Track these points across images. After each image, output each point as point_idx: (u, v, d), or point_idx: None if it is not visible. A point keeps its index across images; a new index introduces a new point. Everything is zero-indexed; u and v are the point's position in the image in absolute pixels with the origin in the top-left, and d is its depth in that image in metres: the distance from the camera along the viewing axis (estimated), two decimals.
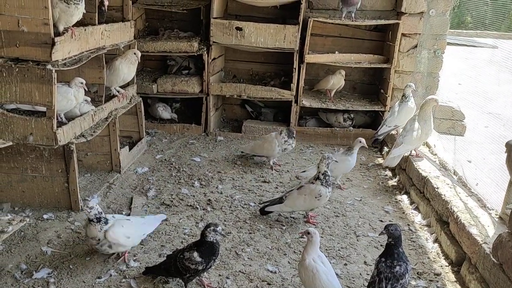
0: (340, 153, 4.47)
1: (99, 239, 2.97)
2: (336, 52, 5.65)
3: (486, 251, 2.84)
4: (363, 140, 4.36)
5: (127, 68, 4.40)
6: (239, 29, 5.29)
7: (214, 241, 2.77)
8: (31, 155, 3.62)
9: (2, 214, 3.25)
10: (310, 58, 5.47)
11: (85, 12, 3.55)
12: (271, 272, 3.13)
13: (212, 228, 2.76)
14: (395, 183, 4.64)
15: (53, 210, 3.69)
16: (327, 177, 3.57)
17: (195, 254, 2.75)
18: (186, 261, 2.76)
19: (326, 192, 3.58)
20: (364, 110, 5.70)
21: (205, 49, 5.45)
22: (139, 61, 4.51)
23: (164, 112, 5.77)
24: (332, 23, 5.59)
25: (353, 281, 3.09)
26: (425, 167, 4.16)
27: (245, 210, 3.93)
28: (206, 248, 2.76)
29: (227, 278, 3.04)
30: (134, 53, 4.44)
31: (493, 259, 2.75)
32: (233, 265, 3.17)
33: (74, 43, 3.48)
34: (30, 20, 3.12)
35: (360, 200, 4.25)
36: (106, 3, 4.12)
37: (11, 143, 3.32)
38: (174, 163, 4.82)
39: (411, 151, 4.52)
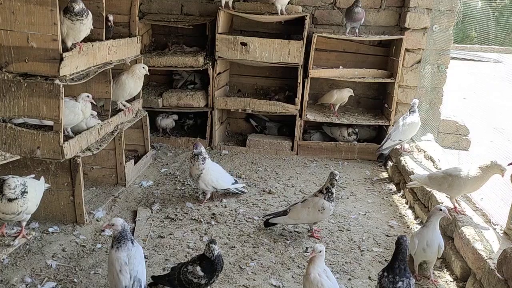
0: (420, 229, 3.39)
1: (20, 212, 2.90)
2: (340, 66, 5.69)
3: (491, 267, 2.82)
4: (444, 208, 3.19)
5: (133, 83, 4.46)
6: (244, 44, 5.36)
7: (212, 257, 2.76)
8: (37, 169, 3.64)
9: (8, 227, 3.27)
10: (314, 72, 5.52)
11: (92, 28, 3.61)
12: (275, 286, 3.12)
13: (207, 243, 2.78)
14: (400, 198, 4.63)
15: (58, 223, 3.70)
16: (329, 193, 3.62)
17: (198, 268, 2.77)
18: (189, 275, 2.79)
19: (330, 206, 3.62)
20: (368, 124, 5.72)
21: (210, 64, 5.51)
22: (148, 74, 4.59)
23: (164, 120, 5.78)
24: (336, 39, 5.64)
25: None
26: None
27: (249, 224, 3.94)
28: (208, 263, 2.77)
29: None
30: (143, 67, 4.50)
31: (498, 274, 2.73)
32: (237, 279, 3.17)
33: (81, 58, 3.54)
34: (39, 36, 3.17)
35: (365, 214, 4.25)
36: (111, 17, 4.19)
37: (18, 157, 3.36)
38: (178, 177, 4.84)
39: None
